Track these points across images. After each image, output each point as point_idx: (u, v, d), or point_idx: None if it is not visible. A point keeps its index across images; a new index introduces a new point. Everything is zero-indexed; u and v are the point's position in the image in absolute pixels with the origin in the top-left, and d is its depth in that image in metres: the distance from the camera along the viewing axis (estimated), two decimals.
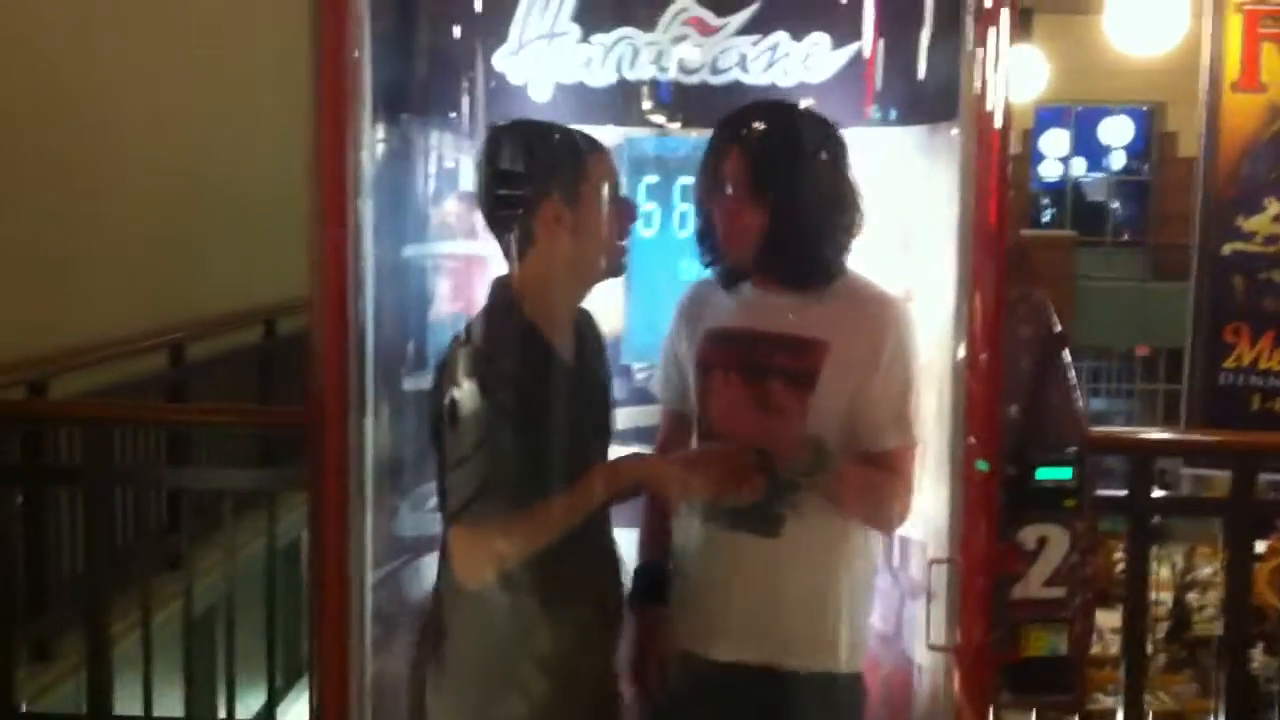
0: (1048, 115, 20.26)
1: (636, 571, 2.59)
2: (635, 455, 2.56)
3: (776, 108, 2.50)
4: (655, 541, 2.62)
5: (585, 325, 2.51)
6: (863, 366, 2.43)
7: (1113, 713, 4.16)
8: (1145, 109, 20.15)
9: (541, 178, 2.32)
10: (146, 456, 6.30)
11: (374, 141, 2.39)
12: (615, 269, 2.45)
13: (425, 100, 2.66)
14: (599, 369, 2.54)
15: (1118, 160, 21.12)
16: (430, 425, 2.38)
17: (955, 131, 2.34)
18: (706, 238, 2.53)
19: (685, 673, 2.53)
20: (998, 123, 2.25)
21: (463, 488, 2.25)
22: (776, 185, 2.40)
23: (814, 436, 2.38)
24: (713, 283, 2.58)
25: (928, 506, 2.51)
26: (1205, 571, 15.46)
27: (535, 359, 2.34)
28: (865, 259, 2.56)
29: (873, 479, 2.45)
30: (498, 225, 2.39)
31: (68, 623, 5.21)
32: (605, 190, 2.38)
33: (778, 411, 2.40)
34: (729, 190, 2.41)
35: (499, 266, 2.43)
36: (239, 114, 8.65)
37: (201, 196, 8.11)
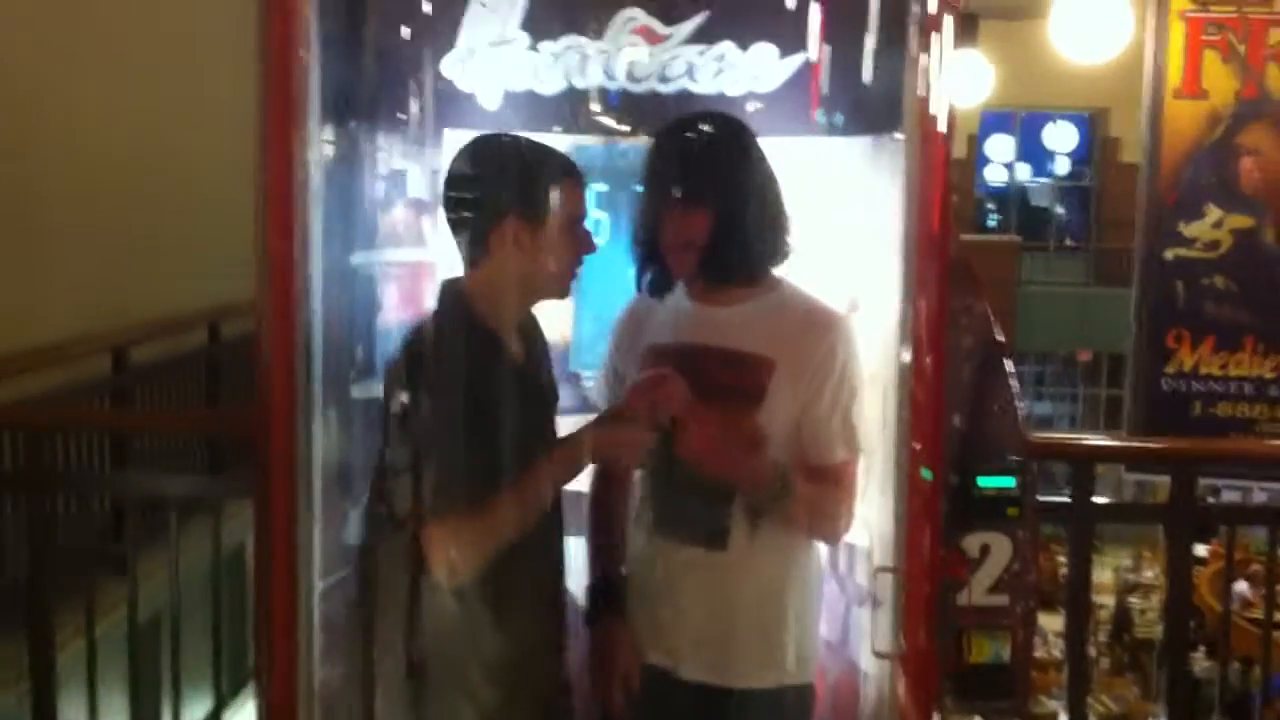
0: (993, 120, 20.43)
1: (590, 586, 2.58)
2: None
3: (710, 114, 2.51)
4: (604, 554, 2.62)
5: (531, 328, 2.52)
6: (808, 381, 2.44)
7: (1055, 716, 4.20)
8: (1089, 114, 20.35)
9: (507, 194, 2.33)
10: (89, 462, 6.24)
11: (321, 145, 2.37)
12: (562, 292, 2.47)
13: (374, 105, 2.64)
14: (544, 371, 2.55)
15: (1062, 165, 21.32)
16: (379, 426, 2.38)
17: (900, 138, 2.36)
18: (644, 246, 2.53)
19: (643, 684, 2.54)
20: (941, 128, 2.26)
21: (420, 488, 2.25)
22: (718, 186, 2.42)
23: (780, 464, 2.40)
24: (643, 299, 2.58)
25: (873, 514, 2.53)
26: (1147, 575, 15.65)
27: (486, 358, 2.34)
28: (811, 267, 2.58)
29: (822, 495, 2.47)
30: (456, 228, 2.40)
31: (10, 631, 5.14)
32: (569, 219, 2.39)
33: (748, 441, 2.40)
34: (672, 193, 2.42)
35: (448, 272, 2.43)
36: (183, 114, 8.58)
37: (144, 198, 8.03)
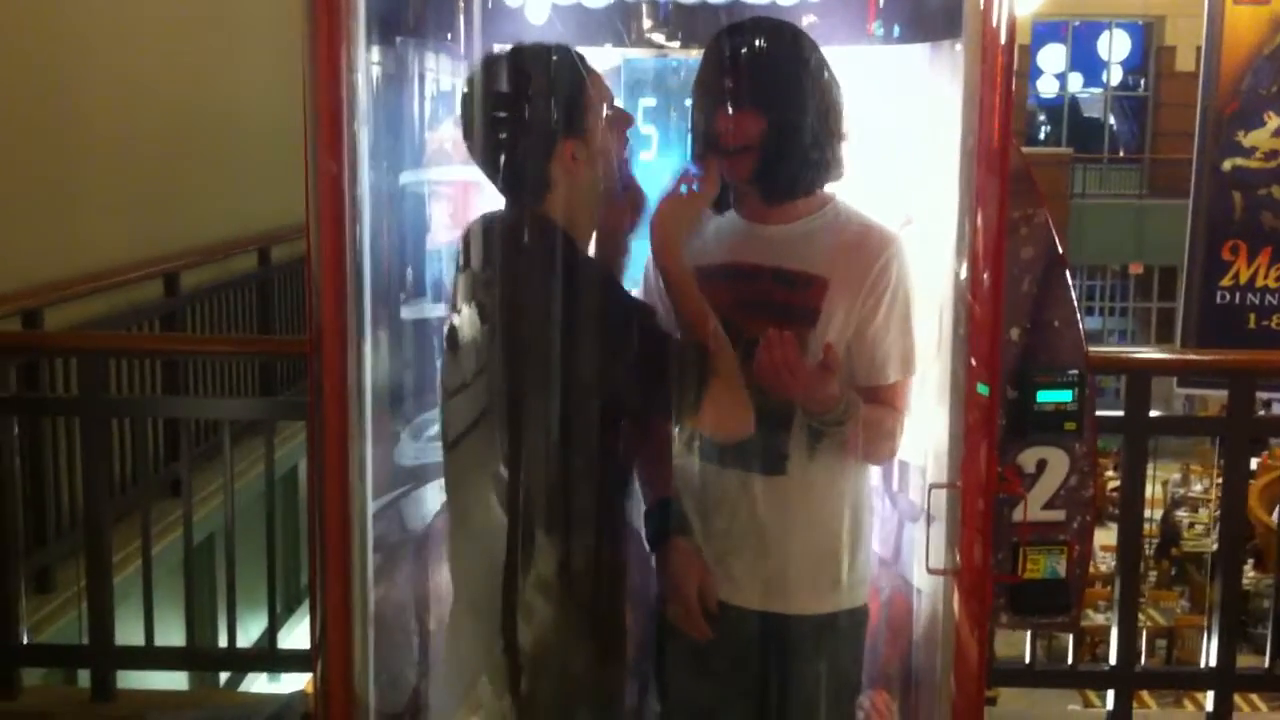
0: (1044, 30, 20.11)
1: (648, 513, 2.56)
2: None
3: (766, 21, 2.45)
4: (658, 481, 2.58)
5: None
6: (863, 301, 2.41)
7: (1104, 630, 4.19)
8: (1143, 23, 19.98)
9: (549, 121, 2.26)
10: (143, 386, 6.31)
11: (369, 65, 2.35)
12: (624, 183, 2.41)
13: (421, 22, 2.61)
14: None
15: (1115, 76, 20.98)
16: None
17: (959, 48, 2.30)
18: (701, 156, 2.48)
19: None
20: (1002, 39, 2.21)
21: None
22: (776, 94, 2.36)
23: (845, 386, 2.37)
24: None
25: (928, 431, 2.50)
26: (1196, 489, 15.59)
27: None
28: (866, 181, 2.53)
29: (879, 418, 2.44)
30: (508, 171, 2.32)
31: (68, 554, 5.23)
32: (609, 106, 2.34)
33: (817, 360, 2.36)
34: (729, 101, 2.37)
35: (493, 191, 2.40)
36: (231, 40, 8.57)
37: (194, 124, 8.05)
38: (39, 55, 6.43)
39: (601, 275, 2.35)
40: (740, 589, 2.47)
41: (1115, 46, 20.67)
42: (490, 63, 2.33)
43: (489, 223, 2.40)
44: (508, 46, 2.33)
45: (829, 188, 2.47)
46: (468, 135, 2.36)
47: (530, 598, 2.33)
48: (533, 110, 2.27)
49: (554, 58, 2.29)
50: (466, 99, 2.36)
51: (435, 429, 2.58)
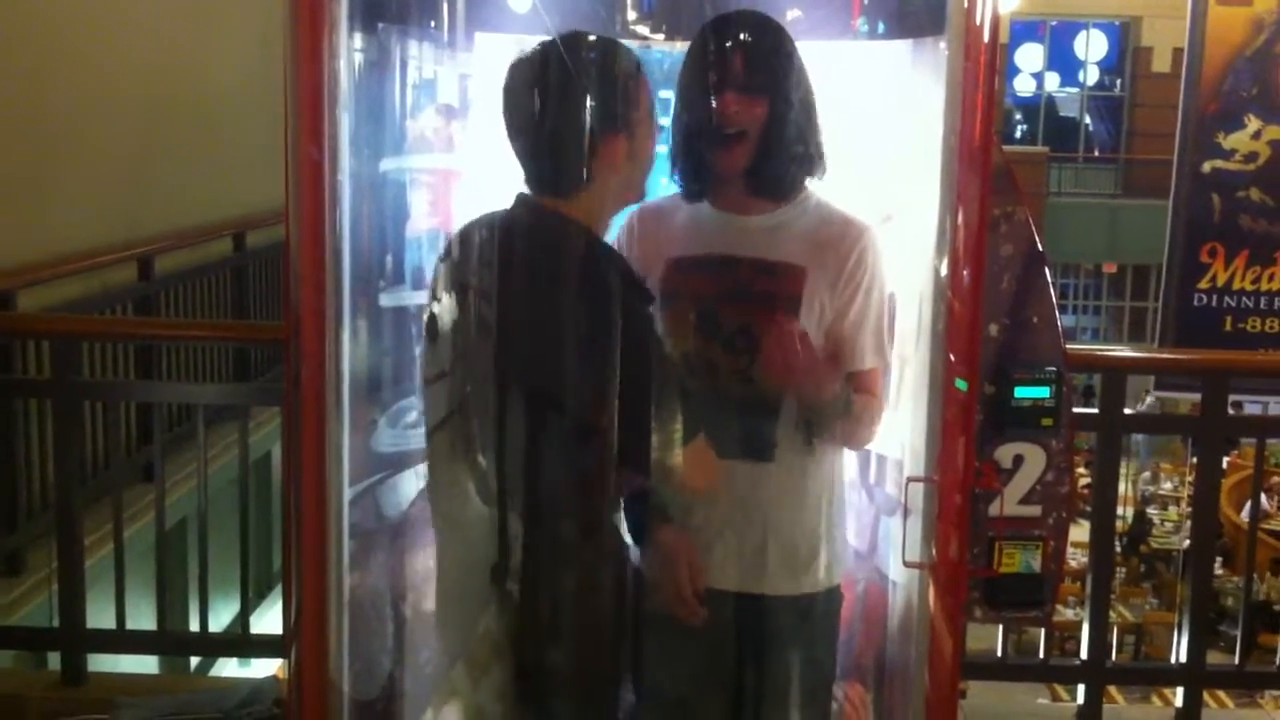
0: (1022, 29, 20.17)
1: (629, 505, 2.55)
2: None
3: (751, 13, 2.46)
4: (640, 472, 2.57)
5: None
6: (840, 289, 2.43)
7: (1075, 625, 4.22)
8: (1120, 24, 20.06)
9: (612, 112, 2.24)
10: (116, 370, 6.27)
11: (351, 51, 2.34)
12: (643, 191, 2.41)
13: (404, 9, 2.60)
14: None
15: (1092, 76, 21.06)
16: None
17: (942, 45, 2.31)
18: (687, 152, 2.48)
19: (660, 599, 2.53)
20: (985, 36, 2.22)
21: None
22: (769, 81, 2.37)
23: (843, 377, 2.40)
24: (662, 208, 2.53)
25: (906, 425, 2.51)
26: (1165, 487, 15.71)
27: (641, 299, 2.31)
28: (848, 175, 2.54)
29: (863, 405, 2.47)
30: (538, 150, 2.28)
31: (39, 537, 5.21)
32: (651, 110, 2.33)
33: (818, 352, 2.39)
34: (725, 86, 2.37)
35: (475, 180, 2.40)
36: (209, 22, 8.52)
37: (170, 107, 8.00)
38: (13, 39, 6.38)
39: (625, 272, 2.33)
40: (720, 572, 2.48)
41: (1092, 47, 20.75)
42: (545, 49, 2.27)
43: (491, 223, 2.35)
44: (564, 34, 2.27)
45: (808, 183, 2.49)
46: (510, 122, 2.30)
47: (509, 586, 2.33)
48: (591, 101, 2.24)
49: (611, 50, 2.28)
50: (512, 84, 2.30)
51: (413, 415, 2.57)
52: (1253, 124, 6.34)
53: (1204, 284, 6.50)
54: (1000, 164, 2.44)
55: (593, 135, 2.23)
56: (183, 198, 8.04)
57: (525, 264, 2.29)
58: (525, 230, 2.30)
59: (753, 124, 2.37)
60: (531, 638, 2.35)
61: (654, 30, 2.57)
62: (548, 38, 2.29)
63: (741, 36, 2.39)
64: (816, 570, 2.51)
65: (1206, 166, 6.40)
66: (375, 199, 2.57)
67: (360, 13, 2.35)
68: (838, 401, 2.41)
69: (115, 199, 7.33)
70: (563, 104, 2.25)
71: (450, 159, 2.60)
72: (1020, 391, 2.63)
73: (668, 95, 2.52)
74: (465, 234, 2.39)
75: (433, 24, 2.61)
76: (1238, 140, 6.36)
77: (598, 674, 2.45)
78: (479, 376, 2.29)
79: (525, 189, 2.32)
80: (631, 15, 2.55)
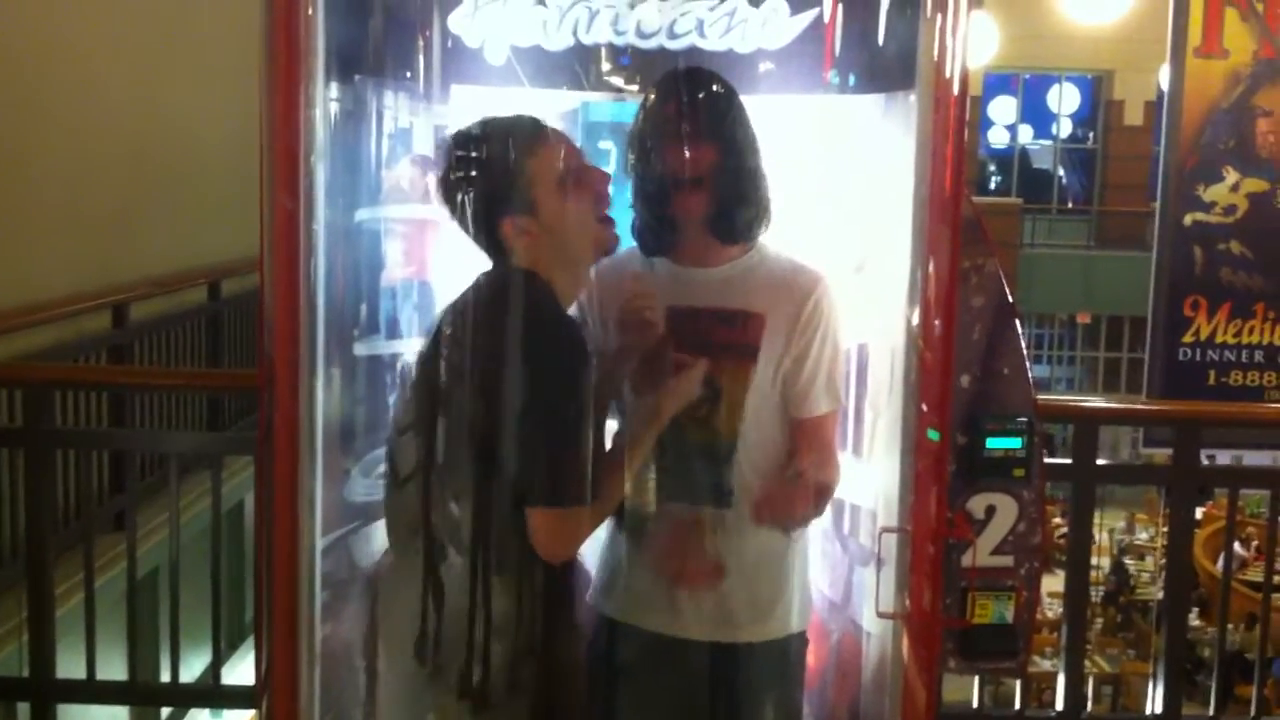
0: (995, 82, 20.36)
1: None
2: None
3: (702, 69, 2.50)
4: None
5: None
6: (797, 336, 2.47)
7: (1051, 676, 4.22)
8: (1092, 77, 20.28)
9: (491, 198, 2.32)
10: (89, 417, 6.24)
11: (327, 102, 2.35)
12: (607, 245, 2.44)
13: (380, 60, 2.61)
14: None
15: (1065, 128, 21.26)
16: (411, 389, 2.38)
17: (913, 99, 2.34)
18: (645, 206, 2.51)
19: (624, 644, 2.53)
20: (955, 90, 2.25)
21: (534, 473, 2.24)
22: (726, 131, 2.43)
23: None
24: (619, 263, 2.55)
25: (879, 475, 2.52)
26: (1141, 538, 15.71)
27: (578, 344, 2.33)
28: (819, 227, 2.56)
29: (820, 464, 2.52)
30: (475, 232, 2.37)
31: (10, 585, 5.16)
32: (562, 178, 2.35)
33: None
34: (684, 134, 2.40)
35: (451, 230, 2.41)
36: (184, 70, 8.53)
37: (145, 155, 8.00)
38: None
39: (560, 320, 2.36)
40: (688, 621, 2.48)
41: (1065, 100, 20.96)
42: (456, 136, 2.38)
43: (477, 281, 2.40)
44: (475, 122, 2.37)
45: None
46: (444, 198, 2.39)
47: (476, 639, 2.32)
48: (478, 187, 2.32)
49: (498, 139, 2.33)
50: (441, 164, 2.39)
51: (385, 466, 2.57)
52: (1231, 176, 6.40)
53: (1188, 337, 6.56)
54: (971, 215, 2.46)
55: (486, 216, 2.33)
56: (158, 245, 8.03)
57: (485, 319, 2.32)
58: (487, 283, 2.36)
59: (710, 170, 2.41)
60: (508, 686, 2.34)
61: (628, 82, 2.59)
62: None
63: (696, 89, 2.44)
64: (788, 612, 2.52)
65: (1187, 219, 6.47)
66: (350, 248, 2.58)
67: (336, 63, 2.37)
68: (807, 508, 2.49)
69: (90, 246, 7.31)
70: (462, 186, 2.34)
71: (426, 209, 2.61)
72: (992, 442, 2.64)
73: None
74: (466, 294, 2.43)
75: (409, 75, 2.63)
76: (1217, 193, 6.43)
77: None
78: (453, 428, 2.29)
79: None
80: (606, 67, 2.57)
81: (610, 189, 2.46)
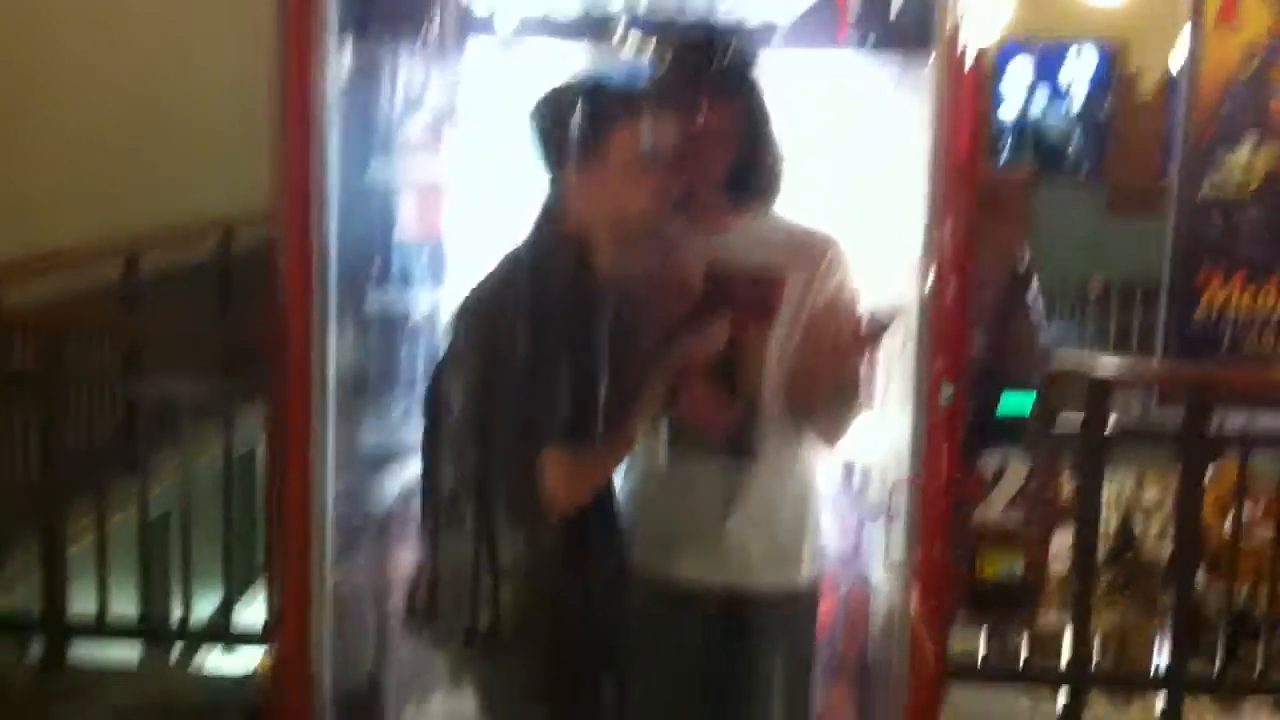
0: (1010, 50, 20.20)
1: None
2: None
3: (718, 28, 2.50)
4: None
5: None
6: (815, 292, 2.48)
7: (1057, 633, 4.23)
8: (1108, 47, 20.11)
9: (566, 154, 2.32)
10: (102, 364, 6.26)
11: (339, 59, 2.35)
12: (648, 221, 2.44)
13: (392, 22, 2.61)
14: None
15: (1078, 98, 21.10)
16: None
17: (930, 60, 2.33)
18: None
19: (643, 594, 2.55)
20: (971, 54, 2.24)
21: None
22: (745, 91, 2.44)
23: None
24: None
25: (891, 432, 2.53)
26: (1148, 497, 15.70)
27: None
28: (836, 187, 2.56)
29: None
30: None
31: (23, 525, 5.19)
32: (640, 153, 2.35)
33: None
34: (705, 102, 2.40)
35: (463, 185, 2.42)
36: (197, 20, 8.50)
37: (158, 105, 7.98)
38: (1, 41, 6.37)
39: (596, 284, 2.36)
40: (708, 569, 2.50)
41: (1080, 69, 20.80)
42: (551, 93, 2.37)
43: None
44: (567, 81, 2.38)
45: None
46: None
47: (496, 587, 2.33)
48: (551, 142, 2.33)
49: (581, 95, 2.33)
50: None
51: (397, 412, 2.59)
52: (1249, 146, 6.39)
53: (1203, 306, 6.56)
54: (986, 180, 2.46)
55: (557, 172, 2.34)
56: (171, 196, 8.02)
57: (527, 282, 2.33)
58: (535, 245, 2.37)
59: (725, 133, 2.42)
60: (518, 636, 2.36)
61: (639, 51, 2.58)
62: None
63: (712, 51, 2.44)
64: (802, 562, 2.53)
65: (1204, 188, 6.46)
66: (363, 204, 2.58)
67: (349, 22, 2.36)
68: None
69: (103, 197, 7.30)
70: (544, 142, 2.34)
71: (436, 168, 2.61)
72: (1004, 403, 2.65)
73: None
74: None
75: (419, 37, 2.62)
76: (1234, 163, 6.41)
77: (585, 672, 2.46)
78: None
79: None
80: (613, 34, 2.56)
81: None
